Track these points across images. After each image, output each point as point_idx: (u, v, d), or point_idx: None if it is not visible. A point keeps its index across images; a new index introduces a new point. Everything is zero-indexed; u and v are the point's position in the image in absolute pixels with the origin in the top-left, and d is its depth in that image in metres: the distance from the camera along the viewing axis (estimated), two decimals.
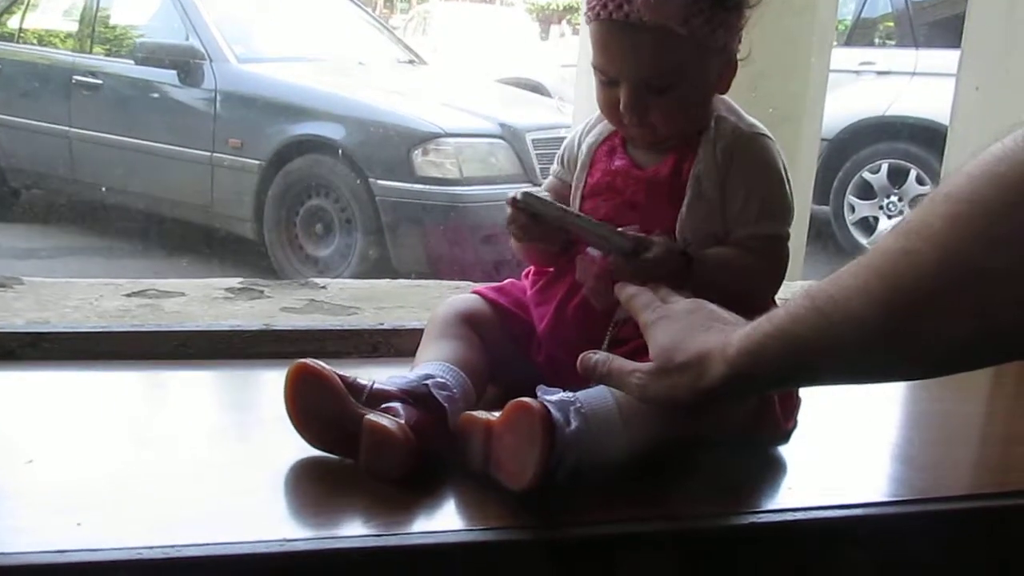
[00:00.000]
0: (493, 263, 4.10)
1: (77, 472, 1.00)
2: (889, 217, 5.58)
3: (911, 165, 5.57)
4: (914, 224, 0.77)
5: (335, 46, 5.62)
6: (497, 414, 0.98)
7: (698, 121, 1.15)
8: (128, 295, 1.66)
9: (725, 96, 1.18)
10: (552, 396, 1.00)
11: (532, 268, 1.22)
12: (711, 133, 1.14)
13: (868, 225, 5.64)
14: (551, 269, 1.19)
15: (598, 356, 1.01)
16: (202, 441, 1.12)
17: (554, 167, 1.26)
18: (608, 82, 1.13)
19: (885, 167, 5.64)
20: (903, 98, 5.70)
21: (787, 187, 1.15)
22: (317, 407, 1.01)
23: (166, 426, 1.15)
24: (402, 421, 1.00)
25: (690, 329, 0.95)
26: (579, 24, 16.61)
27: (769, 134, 1.16)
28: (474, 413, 1.01)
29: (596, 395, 1.01)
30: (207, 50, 4.78)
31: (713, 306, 0.99)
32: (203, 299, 1.68)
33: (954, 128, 2.11)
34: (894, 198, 5.60)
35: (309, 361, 1.02)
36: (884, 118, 5.70)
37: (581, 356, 1.02)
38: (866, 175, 5.66)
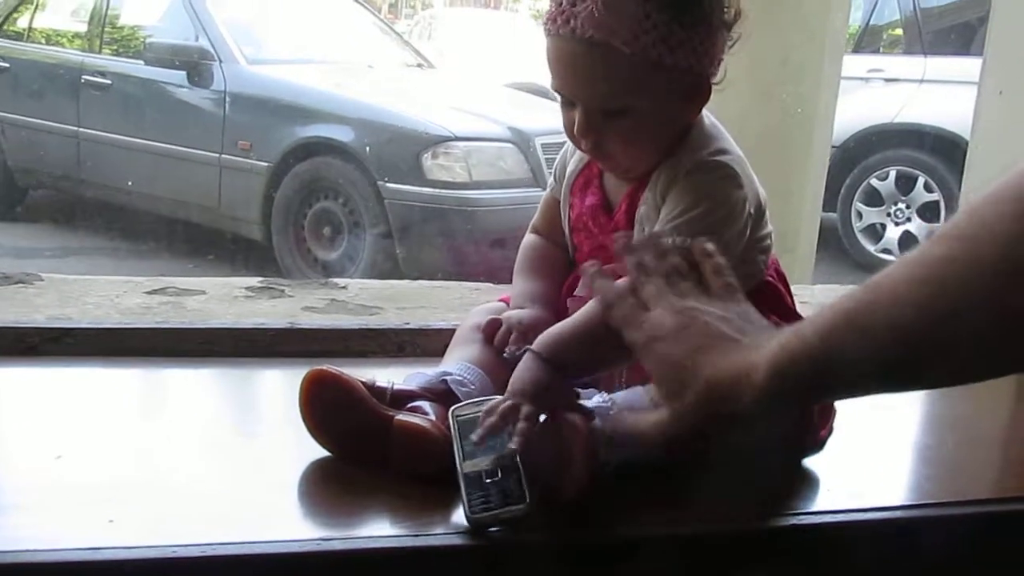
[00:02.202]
0: (504, 267, 4.07)
1: (106, 468, 0.99)
2: (896, 224, 5.56)
3: (919, 172, 5.54)
4: (955, 230, 0.74)
5: (344, 49, 5.61)
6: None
7: (662, 150, 1.06)
8: (148, 292, 1.65)
9: (711, 119, 1.10)
10: (589, 401, 0.98)
11: None
12: (660, 170, 1.06)
13: (875, 232, 5.62)
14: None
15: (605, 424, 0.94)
16: (230, 439, 1.11)
17: (550, 181, 1.22)
18: (567, 103, 1.05)
19: (893, 174, 5.62)
20: (911, 105, 5.69)
21: (724, 216, 1.03)
22: (338, 413, 0.99)
23: (193, 423, 1.14)
24: (433, 418, 0.99)
25: (691, 353, 0.86)
26: None
27: (731, 165, 1.05)
28: None
29: (634, 398, 0.99)
30: (217, 51, 4.76)
31: (704, 316, 0.89)
32: (223, 297, 1.66)
33: (976, 132, 2.09)
34: (902, 205, 5.58)
35: (326, 367, 1.00)
36: (892, 125, 5.68)
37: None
38: (874, 182, 5.64)
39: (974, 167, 2.06)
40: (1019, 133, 1.97)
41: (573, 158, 1.16)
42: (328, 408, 1.00)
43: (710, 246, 0.93)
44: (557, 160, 1.20)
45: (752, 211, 1.06)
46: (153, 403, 1.20)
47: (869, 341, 0.77)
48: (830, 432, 1.13)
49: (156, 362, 1.27)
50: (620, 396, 1.00)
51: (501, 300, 1.21)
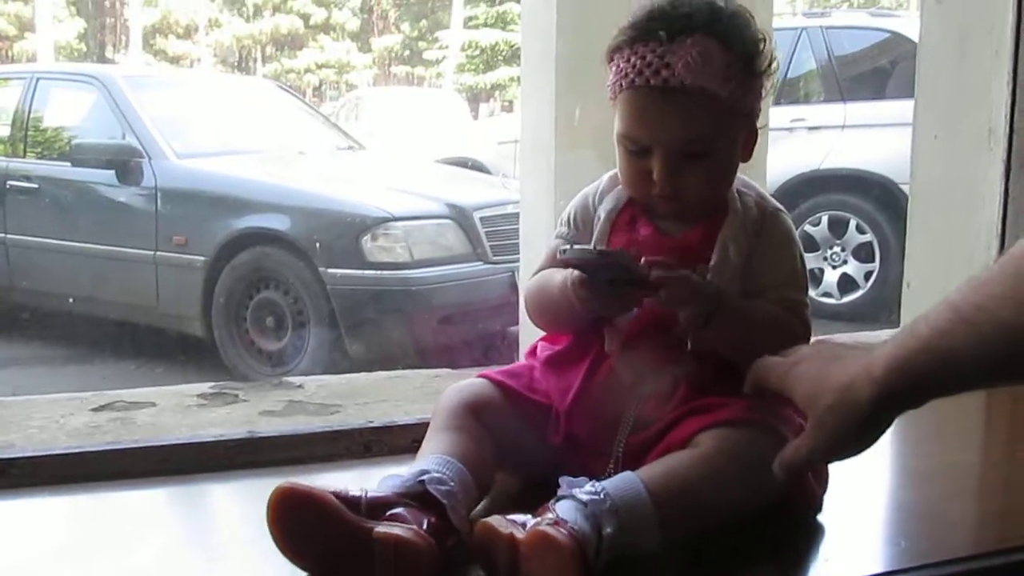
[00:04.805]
0: (453, 345, 4.04)
1: None
2: (834, 267, 5.65)
3: (850, 215, 5.65)
4: None
5: (273, 136, 5.58)
6: (520, 520, 0.93)
7: (725, 191, 1.15)
8: (95, 409, 1.58)
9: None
10: (580, 492, 0.95)
11: (539, 345, 1.18)
12: (736, 203, 1.14)
13: (814, 277, 5.68)
14: (563, 345, 1.15)
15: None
16: (196, 568, 1.04)
17: (561, 229, 1.23)
18: (637, 152, 1.12)
19: (825, 219, 5.72)
20: (836, 151, 5.81)
21: (805, 265, 1.16)
22: (312, 532, 0.94)
23: (155, 554, 1.07)
24: (415, 527, 0.94)
25: (824, 365, 0.94)
26: (509, 100, 16.76)
27: (784, 210, 1.17)
28: (494, 523, 0.95)
29: (627, 486, 0.96)
30: (145, 148, 4.69)
31: (837, 339, 0.99)
32: (175, 408, 1.60)
33: (916, 177, 2.12)
34: (837, 248, 5.67)
35: (293, 483, 0.95)
36: (820, 171, 5.80)
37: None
38: (808, 228, 5.72)
39: (917, 213, 2.08)
40: (958, 174, 2.00)
41: (605, 199, 1.20)
42: (301, 527, 0.94)
43: None
44: (576, 208, 1.22)
45: None
46: (110, 534, 1.13)
47: (982, 338, 0.82)
48: (824, 491, 1.12)
49: (110, 487, 1.20)
50: (611, 484, 0.97)
51: (480, 376, 1.17)
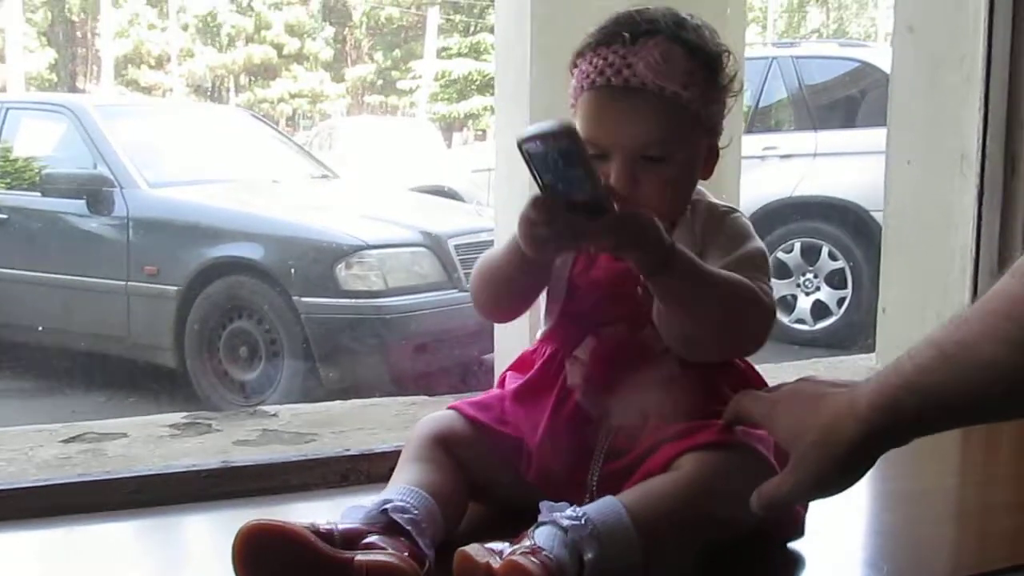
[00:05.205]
0: (429, 372, 4.02)
1: None
2: (807, 294, 5.68)
3: (822, 242, 5.70)
4: None
5: (247, 165, 5.56)
6: (498, 549, 0.92)
7: (682, 206, 1.12)
8: (65, 441, 1.55)
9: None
10: (561, 518, 0.94)
11: (507, 375, 1.17)
12: (687, 216, 1.12)
13: (787, 304, 5.72)
14: (529, 376, 1.14)
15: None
16: None
17: None
18: (596, 156, 1.08)
19: (798, 246, 5.76)
20: (808, 178, 5.87)
21: (764, 252, 1.13)
22: (286, 568, 0.92)
23: None
24: (397, 553, 0.93)
25: (807, 403, 0.94)
26: (483, 129, 16.79)
27: (738, 210, 1.15)
28: (471, 552, 0.93)
29: (608, 510, 0.95)
30: (116, 177, 4.66)
31: (818, 376, 1.00)
32: (147, 439, 1.58)
33: (890, 203, 2.13)
34: (809, 275, 5.71)
35: (262, 520, 0.93)
36: (792, 199, 5.84)
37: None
38: (780, 255, 5.75)
39: (891, 239, 2.09)
40: (931, 200, 2.02)
41: None
42: (273, 564, 0.92)
43: None
44: None
45: None
46: (79, 568, 1.10)
47: (966, 375, 0.82)
48: (805, 512, 1.11)
49: (81, 519, 1.18)
50: (592, 508, 0.96)
51: (451, 408, 1.16)
